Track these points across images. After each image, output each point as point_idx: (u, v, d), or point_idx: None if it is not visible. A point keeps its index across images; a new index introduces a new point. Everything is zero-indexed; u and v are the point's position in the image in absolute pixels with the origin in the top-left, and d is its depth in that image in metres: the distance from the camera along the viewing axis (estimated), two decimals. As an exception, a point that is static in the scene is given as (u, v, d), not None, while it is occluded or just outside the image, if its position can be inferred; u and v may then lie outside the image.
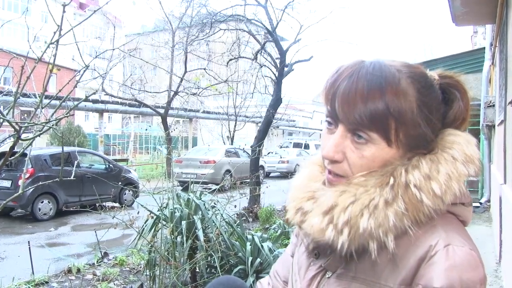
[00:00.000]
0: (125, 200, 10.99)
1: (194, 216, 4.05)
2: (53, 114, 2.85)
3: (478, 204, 9.13)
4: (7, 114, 2.53)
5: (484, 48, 9.15)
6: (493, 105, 7.68)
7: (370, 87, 0.80)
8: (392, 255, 0.79)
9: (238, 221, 4.65)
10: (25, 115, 18.16)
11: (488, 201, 8.86)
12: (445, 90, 0.89)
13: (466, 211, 0.87)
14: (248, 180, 9.85)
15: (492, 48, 8.16)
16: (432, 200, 0.79)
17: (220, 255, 3.85)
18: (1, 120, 2.47)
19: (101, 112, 20.55)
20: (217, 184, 5.76)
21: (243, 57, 11.42)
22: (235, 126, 16.51)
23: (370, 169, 0.83)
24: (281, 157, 20.61)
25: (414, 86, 0.82)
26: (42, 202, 9.51)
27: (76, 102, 3.10)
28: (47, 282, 4.88)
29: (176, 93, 14.24)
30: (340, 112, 0.83)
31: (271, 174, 21.04)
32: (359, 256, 0.82)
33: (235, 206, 5.21)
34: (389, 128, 0.80)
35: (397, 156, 0.83)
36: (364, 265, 0.83)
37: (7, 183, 9.48)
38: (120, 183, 10.09)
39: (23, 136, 2.57)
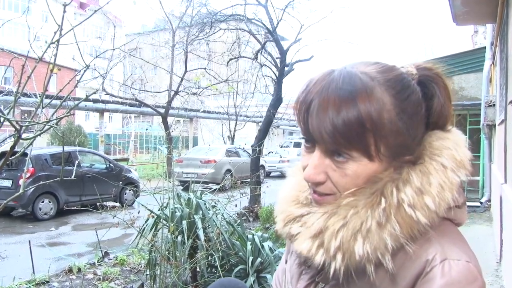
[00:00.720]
0: (126, 199, 11.00)
1: (194, 216, 4.05)
2: (53, 114, 2.85)
3: (478, 204, 9.13)
4: (7, 113, 2.53)
5: (484, 47, 9.15)
6: (494, 105, 7.67)
7: (341, 103, 0.74)
8: (391, 273, 0.77)
9: (239, 221, 4.65)
10: (26, 114, 18.18)
11: (489, 200, 8.86)
12: (423, 84, 0.84)
13: (460, 212, 0.84)
14: (249, 180, 9.85)
15: (493, 48, 8.16)
16: (427, 216, 0.76)
17: (220, 254, 3.85)
18: (2, 119, 2.47)
19: (101, 111, 20.55)
20: (217, 184, 5.75)
21: (243, 57, 11.41)
22: (235, 125, 16.50)
23: (356, 185, 0.79)
24: (281, 157, 20.60)
25: (389, 93, 0.77)
26: (42, 201, 9.53)
27: (76, 102, 3.10)
28: (48, 282, 4.89)
29: (176, 92, 14.23)
30: (315, 133, 0.78)
31: (272, 174, 21.04)
32: (356, 274, 0.79)
33: (236, 206, 5.21)
34: (368, 144, 0.76)
35: (381, 169, 0.79)
36: (360, 282, 0.80)
37: (7, 183, 9.49)
38: (120, 182, 10.10)
39: (24, 135, 2.57)
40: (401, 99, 0.78)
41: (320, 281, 0.88)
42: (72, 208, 9.70)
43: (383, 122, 0.75)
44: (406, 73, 0.83)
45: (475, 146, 9.67)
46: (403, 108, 0.78)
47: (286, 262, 1.07)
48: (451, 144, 0.82)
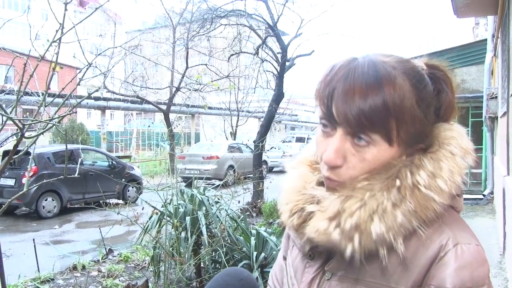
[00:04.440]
0: (129, 196, 11.03)
1: (198, 212, 4.06)
2: (56, 112, 2.85)
3: (481, 196, 9.11)
4: (10, 112, 2.54)
5: (486, 39, 9.11)
6: (496, 97, 7.66)
7: (368, 88, 0.78)
8: (402, 258, 0.79)
9: (242, 216, 4.66)
10: (27, 113, 18.18)
11: (492, 193, 8.85)
12: (432, 79, 0.87)
13: (460, 201, 0.89)
14: (252, 175, 9.86)
15: (494, 40, 8.13)
16: (441, 197, 0.79)
17: (224, 250, 3.86)
18: (5, 118, 2.48)
19: (103, 109, 20.50)
20: (220, 180, 5.76)
21: (244, 52, 11.41)
22: (237, 121, 16.53)
23: (371, 171, 0.82)
24: (284, 152, 20.63)
25: (409, 82, 0.80)
26: (46, 200, 9.56)
27: (78, 100, 3.11)
28: (52, 279, 4.91)
29: (178, 89, 14.24)
30: (339, 115, 0.80)
31: (274, 169, 21.03)
32: (367, 260, 0.81)
33: (239, 201, 5.21)
34: (390, 128, 0.79)
35: (397, 155, 0.82)
36: (371, 268, 0.82)
37: (11, 182, 9.52)
38: (123, 179, 10.12)
39: (26, 134, 2.57)
40: (419, 88, 0.82)
41: (329, 270, 0.88)
42: (76, 206, 9.75)
43: (405, 109, 0.79)
44: (419, 66, 0.87)
45: (477, 139, 9.65)
46: (421, 97, 0.82)
47: (284, 258, 1.06)
48: (456, 134, 0.86)
